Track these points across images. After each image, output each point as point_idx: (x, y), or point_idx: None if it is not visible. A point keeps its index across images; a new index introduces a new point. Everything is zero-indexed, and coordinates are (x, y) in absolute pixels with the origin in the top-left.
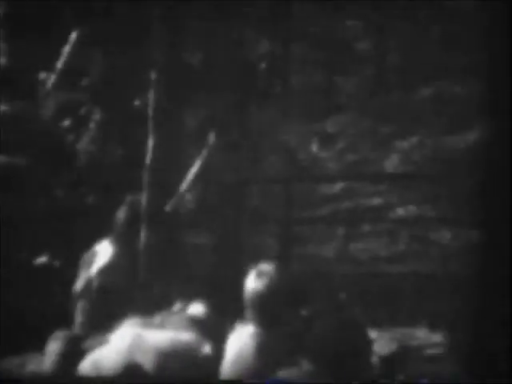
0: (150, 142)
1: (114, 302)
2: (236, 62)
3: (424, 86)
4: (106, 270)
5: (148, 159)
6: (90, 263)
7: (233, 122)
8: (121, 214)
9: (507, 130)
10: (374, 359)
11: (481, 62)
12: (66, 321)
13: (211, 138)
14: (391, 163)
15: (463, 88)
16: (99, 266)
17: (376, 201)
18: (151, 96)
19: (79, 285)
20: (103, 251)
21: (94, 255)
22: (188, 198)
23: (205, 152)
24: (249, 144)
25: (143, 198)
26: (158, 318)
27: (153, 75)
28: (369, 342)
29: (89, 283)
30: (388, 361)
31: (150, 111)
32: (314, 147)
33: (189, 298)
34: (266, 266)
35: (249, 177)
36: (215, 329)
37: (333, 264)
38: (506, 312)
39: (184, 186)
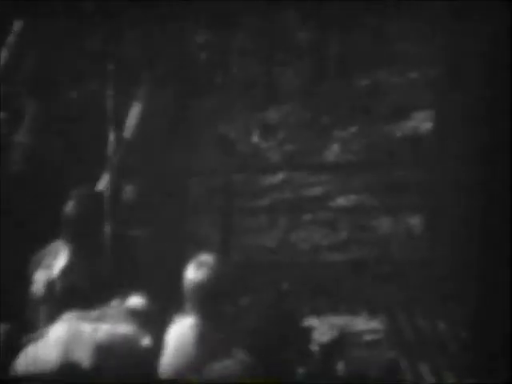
0: (111, 136)
1: (79, 303)
2: (175, 52)
3: (362, 76)
4: (67, 271)
5: (110, 152)
6: (43, 265)
7: (173, 114)
8: (70, 210)
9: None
10: (314, 347)
11: (422, 53)
12: None
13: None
14: (331, 153)
15: (401, 77)
16: (59, 267)
17: (317, 190)
18: (109, 89)
19: (38, 288)
20: (58, 251)
21: (45, 256)
22: (128, 189)
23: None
24: (189, 135)
25: (107, 191)
26: (95, 312)
27: (109, 67)
28: (304, 332)
29: (51, 286)
30: (327, 348)
31: (109, 104)
32: (255, 138)
33: (128, 289)
34: (206, 257)
35: (189, 168)
36: (154, 321)
37: (274, 254)
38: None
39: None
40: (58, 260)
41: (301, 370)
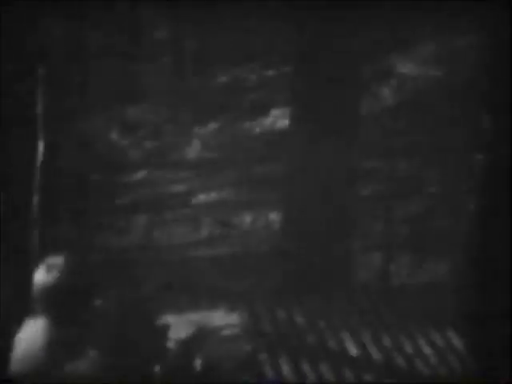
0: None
1: None
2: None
3: (221, 73)
4: None
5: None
6: None
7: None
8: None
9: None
10: (171, 344)
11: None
12: None
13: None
14: (192, 150)
15: (259, 75)
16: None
17: (178, 187)
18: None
19: None
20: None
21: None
22: None
23: None
24: (49, 132)
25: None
26: None
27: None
28: (160, 330)
29: None
30: (185, 344)
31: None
32: (114, 135)
33: None
34: (55, 259)
35: (48, 165)
36: (3, 324)
37: (136, 252)
38: None
39: None
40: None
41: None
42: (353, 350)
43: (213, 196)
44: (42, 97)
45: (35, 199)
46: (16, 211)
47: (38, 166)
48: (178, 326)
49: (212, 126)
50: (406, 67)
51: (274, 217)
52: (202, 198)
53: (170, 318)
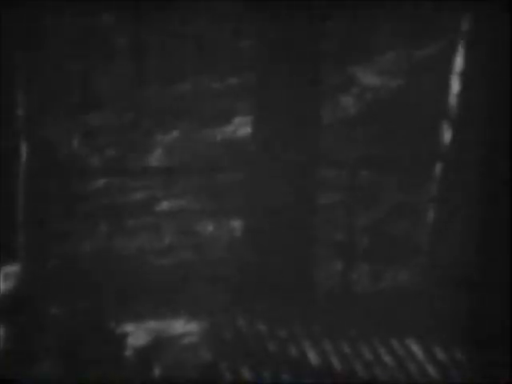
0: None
1: None
2: None
3: (184, 81)
4: None
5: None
6: None
7: None
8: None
9: None
10: (128, 352)
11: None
12: None
13: None
14: (154, 157)
15: (222, 82)
16: None
17: (140, 195)
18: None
19: None
20: None
21: None
22: None
23: None
24: (8, 138)
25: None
26: None
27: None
28: (118, 338)
29: None
30: (143, 352)
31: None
32: (75, 142)
33: None
34: (12, 267)
35: (6, 172)
36: None
37: (96, 261)
38: None
39: None
40: None
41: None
42: (314, 358)
43: (174, 204)
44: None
45: None
46: None
47: None
48: (138, 334)
49: (174, 133)
50: (367, 77)
51: (236, 225)
52: (163, 205)
53: (128, 326)
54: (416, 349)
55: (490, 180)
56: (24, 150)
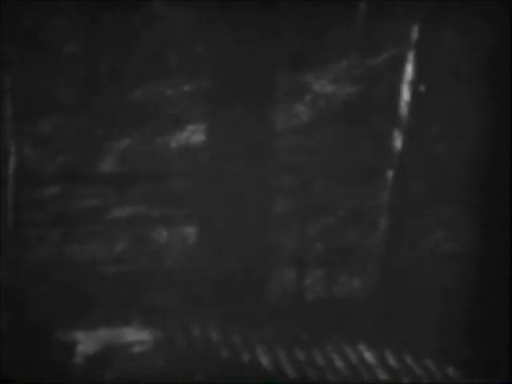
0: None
1: None
2: None
3: (137, 88)
4: None
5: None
6: None
7: None
8: None
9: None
10: (78, 360)
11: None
12: None
13: None
14: (106, 164)
15: (175, 90)
16: None
17: (92, 202)
18: None
19: None
20: None
21: None
22: None
23: None
24: None
25: None
26: None
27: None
28: (66, 346)
29: None
30: (93, 361)
31: None
32: (27, 149)
33: None
34: None
35: None
36: None
37: (48, 269)
38: None
39: None
40: None
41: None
42: (267, 365)
43: (128, 211)
44: None
45: None
46: None
47: None
48: (88, 343)
49: (126, 140)
50: (319, 84)
51: (190, 231)
52: (116, 213)
53: (79, 335)
54: (368, 355)
55: (443, 185)
56: None
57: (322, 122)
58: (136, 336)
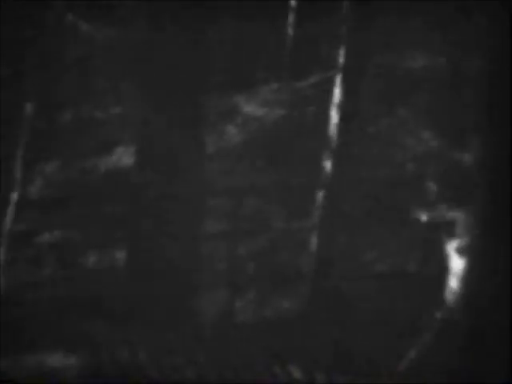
0: None
1: None
2: None
3: (65, 111)
4: None
5: None
6: None
7: None
8: None
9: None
10: None
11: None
12: None
13: None
14: (34, 187)
15: (105, 112)
16: None
17: (20, 226)
18: None
19: None
20: None
21: None
22: None
23: None
24: None
25: None
26: None
27: None
28: None
29: None
30: None
31: None
32: None
33: None
34: None
35: None
36: None
37: None
38: None
39: None
40: None
41: None
42: None
43: (56, 235)
44: None
45: None
46: None
47: None
48: (14, 369)
49: (56, 163)
50: (250, 106)
51: (119, 256)
52: (44, 237)
53: (3, 361)
54: (298, 375)
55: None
56: None
57: (253, 144)
58: (62, 361)
